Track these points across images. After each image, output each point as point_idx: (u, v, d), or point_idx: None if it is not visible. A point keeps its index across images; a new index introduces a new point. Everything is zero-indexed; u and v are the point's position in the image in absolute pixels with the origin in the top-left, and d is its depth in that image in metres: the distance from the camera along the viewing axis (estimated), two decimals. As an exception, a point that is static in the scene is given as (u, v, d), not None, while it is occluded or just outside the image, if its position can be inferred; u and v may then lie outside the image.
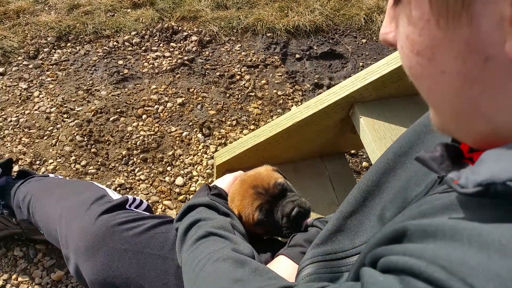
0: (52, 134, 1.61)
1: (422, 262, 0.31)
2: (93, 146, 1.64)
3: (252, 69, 2.07)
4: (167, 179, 1.61)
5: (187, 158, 1.74)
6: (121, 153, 1.64)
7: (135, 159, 1.66)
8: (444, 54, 0.33)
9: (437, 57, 0.33)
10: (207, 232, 0.73)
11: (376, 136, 0.98)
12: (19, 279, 1.26)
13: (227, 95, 1.93)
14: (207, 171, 1.71)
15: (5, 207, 1.18)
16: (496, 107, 0.32)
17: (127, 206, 0.92)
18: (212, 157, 1.72)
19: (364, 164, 1.77)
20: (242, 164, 1.21)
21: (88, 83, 1.85)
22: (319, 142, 1.27)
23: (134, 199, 0.95)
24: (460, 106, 0.35)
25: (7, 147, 1.53)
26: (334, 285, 0.46)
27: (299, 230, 0.84)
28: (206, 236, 0.72)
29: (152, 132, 1.77)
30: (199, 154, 1.75)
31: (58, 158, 1.55)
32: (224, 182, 0.95)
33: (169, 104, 1.90)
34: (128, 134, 1.72)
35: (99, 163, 1.58)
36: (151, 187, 1.58)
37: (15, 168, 1.47)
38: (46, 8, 2.23)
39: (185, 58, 2.06)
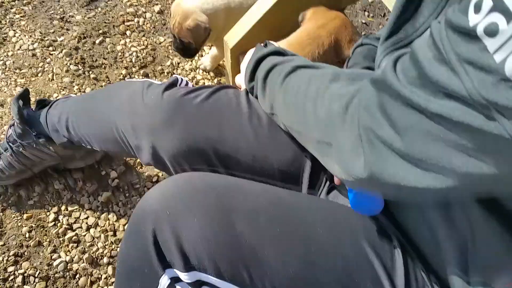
0: (46, 69, 1.54)
1: None
2: (90, 72, 1.58)
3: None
4: (175, 86, 1.59)
5: (186, 64, 1.70)
6: (121, 73, 1.59)
7: (136, 76, 1.61)
8: None
9: None
10: (292, 67, 0.66)
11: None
12: (69, 208, 1.29)
13: (206, -10, 1.83)
14: (210, 74, 1.69)
15: (40, 135, 1.15)
16: None
17: (178, 85, 0.90)
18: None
19: None
20: (253, 41, 1.18)
21: (59, 11, 1.72)
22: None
23: (182, 79, 0.93)
24: None
25: (5, 92, 1.47)
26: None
27: None
28: (294, 71, 0.66)
29: (143, 47, 1.70)
30: (196, 58, 1.70)
31: (61, 90, 1.49)
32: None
33: (148, 15, 1.80)
34: (120, 54, 1.65)
35: (103, 87, 1.54)
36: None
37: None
38: None
39: (150, -38, 1.91)
